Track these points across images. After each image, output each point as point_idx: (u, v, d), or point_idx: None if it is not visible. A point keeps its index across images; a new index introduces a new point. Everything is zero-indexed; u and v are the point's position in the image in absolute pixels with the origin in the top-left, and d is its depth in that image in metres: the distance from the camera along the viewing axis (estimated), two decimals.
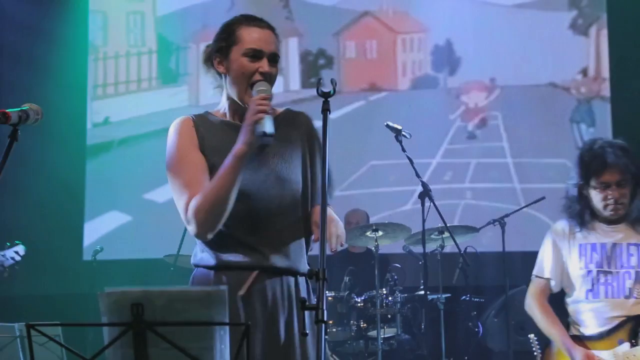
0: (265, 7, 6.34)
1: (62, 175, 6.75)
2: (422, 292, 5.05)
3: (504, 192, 6.37)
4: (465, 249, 5.09)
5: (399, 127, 4.62)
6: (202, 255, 2.41)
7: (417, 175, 4.55)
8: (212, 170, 2.36)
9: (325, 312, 1.96)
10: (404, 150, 4.53)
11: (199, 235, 2.35)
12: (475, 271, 5.16)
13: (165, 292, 1.92)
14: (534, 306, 3.54)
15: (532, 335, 4.43)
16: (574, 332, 3.44)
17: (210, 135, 2.41)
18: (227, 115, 2.46)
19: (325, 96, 2.27)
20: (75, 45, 7.02)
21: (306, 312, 2.26)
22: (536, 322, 3.53)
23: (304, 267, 2.44)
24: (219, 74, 2.45)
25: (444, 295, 5.09)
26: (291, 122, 2.48)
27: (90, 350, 5.28)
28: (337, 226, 2.31)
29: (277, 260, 2.37)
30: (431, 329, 5.12)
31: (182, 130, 2.40)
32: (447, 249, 5.14)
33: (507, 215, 5.33)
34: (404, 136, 4.60)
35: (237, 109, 2.43)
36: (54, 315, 4.02)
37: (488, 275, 5.63)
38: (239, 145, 2.29)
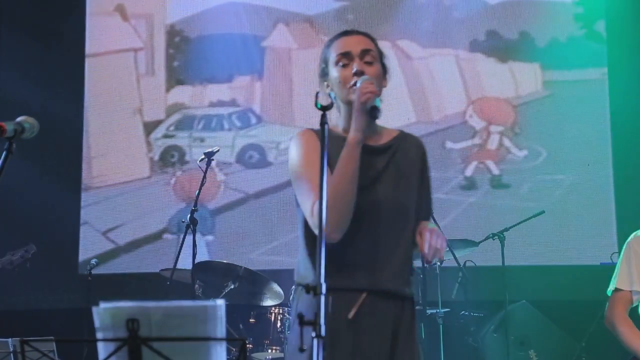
0: None
1: (58, 187, 6.71)
2: (421, 307, 5.01)
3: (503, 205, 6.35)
4: (465, 263, 5.07)
5: None
6: (305, 272, 2.39)
7: None
8: None
9: (323, 327, 1.93)
10: None
11: (327, 235, 2.25)
12: (475, 286, 5.13)
13: (161, 307, 1.89)
14: (616, 321, 3.37)
15: (532, 351, 4.41)
16: None
17: (331, 148, 2.35)
18: (340, 128, 2.48)
19: (324, 109, 2.26)
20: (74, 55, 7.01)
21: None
22: (619, 337, 3.37)
23: (411, 290, 2.45)
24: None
25: (442, 310, 5.06)
26: (408, 144, 2.50)
27: None
28: (437, 238, 2.29)
29: (387, 283, 2.36)
30: (430, 344, 5.08)
31: (305, 140, 2.42)
32: (446, 263, 5.11)
33: (506, 230, 5.31)
34: None
35: (343, 121, 2.45)
36: (48, 331, 3.97)
37: (487, 290, 5.60)
38: (352, 134, 2.30)
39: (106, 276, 6.30)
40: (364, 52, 2.41)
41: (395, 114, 6.39)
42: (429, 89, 6.67)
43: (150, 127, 6.87)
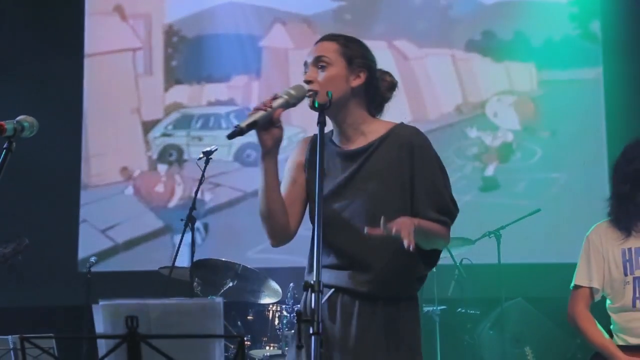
0: None
1: (57, 186, 6.73)
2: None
3: (499, 203, 6.38)
4: (461, 260, 5.09)
5: None
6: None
7: None
8: (308, 183, 2.48)
9: (320, 324, 1.96)
10: None
11: (271, 243, 2.49)
12: (471, 283, 5.15)
13: (160, 304, 1.91)
14: (577, 317, 3.37)
15: (527, 348, 4.43)
16: (619, 342, 3.28)
17: (314, 152, 2.43)
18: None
19: (321, 108, 2.29)
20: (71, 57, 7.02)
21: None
22: (581, 333, 3.36)
23: (398, 292, 2.39)
24: None
25: (439, 308, 5.09)
26: (394, 140, 2.44)
27: None
28: (403, 228, 2.21)
29: (359, 284, 2.36)
30: (427, 342, 5.09)
31: (296, 148, 2.55)
32: (443, 261, 5.12)
33: (502, 228, 5.34)
34: None
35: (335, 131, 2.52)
36: (48, 328, 3.99)
37: (483, 288, 5.63)
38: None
39: (105, 274, 6.32)
40: (317, 59, 2.42)
41: (392, 114, 6.41)
42: (425, 88, 6.69)
43: (148, 126, 6.89)
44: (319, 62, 2.41)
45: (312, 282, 2.01)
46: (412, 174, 2.39)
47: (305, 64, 2.45)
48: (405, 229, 2.15)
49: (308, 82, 2.38)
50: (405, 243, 2.12)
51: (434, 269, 5.05)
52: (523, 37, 6.63)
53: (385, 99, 2.55)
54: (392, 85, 2.55)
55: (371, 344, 2.36)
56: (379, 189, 2.38)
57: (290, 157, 2.53)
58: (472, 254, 5.20)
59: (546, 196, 6.32)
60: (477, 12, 6.75)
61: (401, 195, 2.38)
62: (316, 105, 2.33)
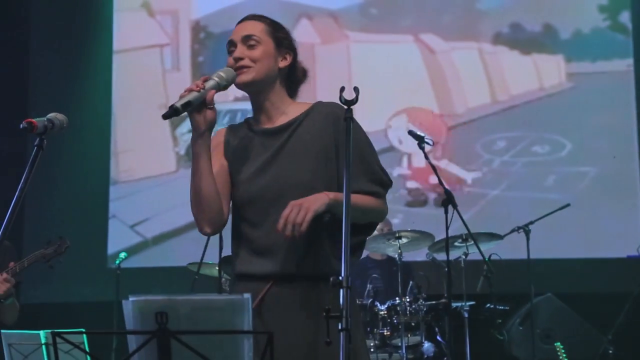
0: None
1: (87, 182, 6.79)
2: (446, 300, 5.02)
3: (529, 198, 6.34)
4: (490, 256, 5.06)
5: (422, 134, 4.60)
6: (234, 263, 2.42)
7: (441, 183, 4.52)
8: (235, 174, 2.41)
9: (349, 320, 1.95)
10: (426, 157, 4.51)
11: (200, 231, 2.40)
12: (500, 279, 5.12)
13: (189, 300, 1.92)
14: None
15: (558, 344, 4.39)
16: None
17: (235, 140, 2.44)
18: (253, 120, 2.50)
19: (348, 104, 2.28)
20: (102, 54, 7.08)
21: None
22: None
23: (324, 270, 2.26)
24: None
25: (468, 303, 5.06)
26: (316, 115, 2.43)
27: (114, 358, 5.31)
28: (298, 211, 2.17)
29: (290, 267, 2.30)
30: (455, 338, 5.09)
31: (215, 135, 2.45)
32: (471, 257, 5.11)
33: (531, 223, 5.30)
34: (427, 143, 4.58)
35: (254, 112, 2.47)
36: (79, 323, 4.03)
37: (513, 283, 5.59)
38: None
39: (134, 270, 6.37)
40: (246, 38, 2.42)
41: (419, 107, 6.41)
42: (452, 82, 6.66)
43: (176, 122, 6.93)
44: (248, 41, 2.42)
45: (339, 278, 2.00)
46: (338, 143, 2.36)
47: (232, 42, 2.43)
48: (292, 216, 2.16)
49: (237, 59, 2.38)
50: (286, 232, 2.16)
51: (462, 265, 5.09)
52: (551, 29, 6.57)
53: (301, 82, 2.54)
54: (305, 72, 2.55)
55: (299, 327, 2.29)
56: (306, 161, 2.34)
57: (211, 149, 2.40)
58: (501, 249, 5.16)
59: (576, 190, 6.27)
60: (504, 4, 6.70)
61: (328, 165, 2.35)
62: (342, 101, 2.29)
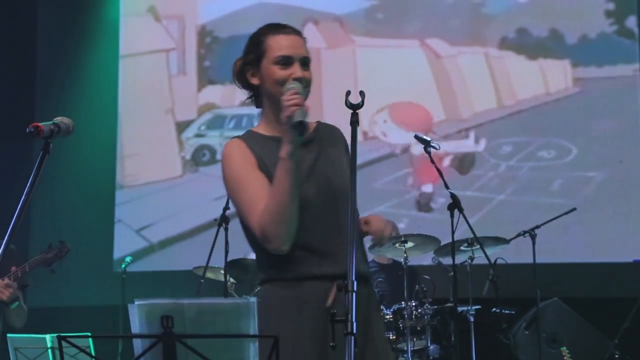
0: None
1: (93, 186, 6.81)
2: (452, 304, 5.01)
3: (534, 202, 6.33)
4: (496, 260, 5.05)
5: (428, 139, 4.60)
6: (270, 270, 2.35)
7: (446, 187, 4.52)
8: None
9: (355, 324, 1.95)
10: (432, 161, 4.51)
11: (276, 248, 2.27)
12: (506, 283, 5.11)
13: (194, 304, 1.92)
14: None
15: (564, 348, 4.38)
16: None
17: (264, 152, 2.37)
18: (267, 128, 2.45)
19: (354, 108, 2.28)
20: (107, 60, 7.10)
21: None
22: None
23: (367, 270, 2.45)
24: (252, 86, 2.46)
25: (474, 307, 5.05)
26: (328, 131, 2.49)
27: None
28: (387, 225, 2.42)
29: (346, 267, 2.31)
30: (461, 342, 5.07)
31: (235, 152, 2.38)
32: (477, 261, 5.10)
33: (537, 227, 5.29)
34: (433, 147, 4.58)
35: (273, 120, 2.41)
36: (85, 327, 4.04)
37: (519, 287, 5.58)
38: (283, 146, 2.26)
39: (140, 273, 6.38)
40: (305, 60, 2.40)
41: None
42: (458, 87, 6.65)
43: (182, 127, 6.95)
44: (306, 62, 2.40)
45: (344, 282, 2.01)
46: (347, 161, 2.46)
47: (291, 59, 2.37)
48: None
49: (300, 79, 2.35)
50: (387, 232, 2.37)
51: (468, 269, 5.08)
52: (558, 34, 6.56)
53: None
54: None
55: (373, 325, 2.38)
56: (342, 170, 2.40)
57: (240, 161, 2.36)
58: (507, 253, 5.15)
59: (582, 195, 6.26)
60: (510, 9, 6.70)
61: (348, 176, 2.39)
62: (348, 105, 2.30)
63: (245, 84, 2.49)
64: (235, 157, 2.37)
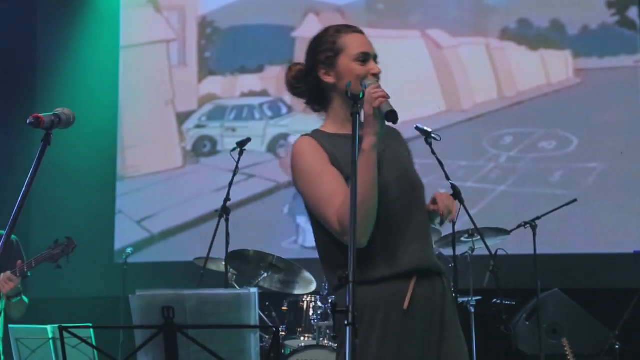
0: None
1: (94, 177, 6.81)
2: (453, 295, 5.01)
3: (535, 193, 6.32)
4: (496, 251, 5.05)
5: (429, 130, 4.59)
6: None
7: (447, 178, 4.51)
8: (347, 179, 2.31)
9: (356, 315, 1.95)
10: (433, 152, 4.50)
11: (357, 242, 2.18)
12: (506, 274, 5.12)
13: (195, 295, 1.93)
14: None
15: (564, 339, 4.39)
16: None
17: (336, 149, 2.38)
18: (334, 127, 2.45)
19: (355, 99, 2.28)
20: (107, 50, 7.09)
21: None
22: None
23: (437, 263, 2.43)
24: (318, 88, 2.46)
25: (474, 298, 5.06)
26: (389, 130, 2.45)
27: (121, 352, 5.33)
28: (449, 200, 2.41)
29: (428, 261, 2.37)
30: (462, 332, 5.08)
31: (307, 148, 2.39)
32: (478, 252, 5.11)
33: (538, 218, 5.29)
34: (434, 138, 4.57)
35: (343, 117, 2.42)
36: (86, 318, 4.05)
37: (519, 278, 5.59)
38: (367, 138, 2.25)
39: (141, 265, 6.39)
40: (376, 57, 2.47)
41: (426, 103, 6.39)
42: (459, 78, 6.64)
43: (182, 118, 6.94)
44: (376, 59, 2.48)
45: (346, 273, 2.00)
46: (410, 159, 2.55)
47: (368, 55, 2.43)
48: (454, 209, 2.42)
49: (377, 75, 2.43)
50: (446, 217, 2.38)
51: (469, 260, 5.09)
52: (559, 25, 6.55)
53: None
54: None
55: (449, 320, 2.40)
56: (410, 164, 2.50)
57: (314, 156, 2.37)
58: (508, 244, 5.16)
59: (583, 186, 6.25)
60: (512, 0, 6.68)
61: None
62: (349, 95, 2.31)
63: (312, 86, 2.48)
64: (308, 153, 2.37)
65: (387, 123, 2.27)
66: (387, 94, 2.27)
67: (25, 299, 4.07)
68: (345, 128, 2.40)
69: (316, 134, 2.44)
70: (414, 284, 2.30)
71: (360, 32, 2.50)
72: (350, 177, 2.18)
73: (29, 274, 3.94)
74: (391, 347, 2.26)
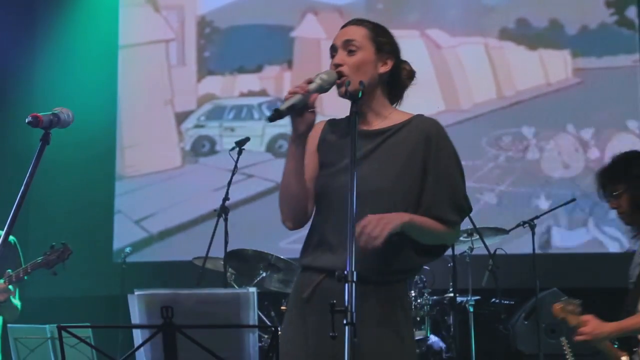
0: None
1: (93, 177, 6.80)
2: (451, 295, 5.03)
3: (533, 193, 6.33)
4: (495, 251, 5.06)
5: None
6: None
7: None
8: (322, 166, 2.44)
9: (354, 314, 1.95)
10: None
11: (284, 223, 2.45)
12: (505, 273, 5.12)
13: (194, 294, 1.93)
14: None
15: (563, 339, 4.38)
16: None
17: (331, 135, 2.47)
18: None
19: (353, 98, 2.28)
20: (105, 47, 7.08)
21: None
22: None
23: (379, 274, 2.31)
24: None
25: (473, 298, 5.07)
26: (412, 128, 2.41)
27: (120, 352, 5.33)
28: (375, 226, 2.20)
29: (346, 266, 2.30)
30: (460, 332, 5.09)
31: (312, 131, 2.44)
32: (477, 251, 5.11)
33: (537, 217, 5.29)
34: None
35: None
36: (84, 317, 4.05)
37: (518, 278, 5.59)
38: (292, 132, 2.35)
39: (140, 264, 6.38)
40: (346, 43, 2.40)
41: (424, 103, 6.37)
42: (458, 77, 6.64)
43: (181, 118, 6.94)
44: (348, 46, 2.39)
45: (344, 272, 2.01)
46: (428, 164, 2.36)
47: (334, 47, 2.42)
48: (369, 228, 2.18)
49: (337, 65, 2.37)
50: (361, 243, 2.16)
51: (468, 260, 5.09)
52: (558, 24, 6.55)
53: (405, 86, 2.53)
54: (411, 74, 2.53)
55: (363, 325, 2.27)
56: (391, 170, 2.34)
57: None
58: (506, 244, 5.17)
59: (581, 185, 6.25)
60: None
61: (412, 180, 2.35)
62: (347, 95, 2.32)
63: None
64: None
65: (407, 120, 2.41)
66: (297, 89, 2.28)
67: (17, 303, 4.04)
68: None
69: (336, 121, 2.53)
70: (322, 280, 2.32)
71: (348, 25, 2.47)
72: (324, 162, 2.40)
73: (25, 277, 3.93)
74: (294, 333, 2.32)
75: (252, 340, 1.94)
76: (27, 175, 2.31)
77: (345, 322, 1.95)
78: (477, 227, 4.72)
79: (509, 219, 5.42)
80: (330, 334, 1.99)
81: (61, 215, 6.66)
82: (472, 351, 4.93)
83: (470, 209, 2.45)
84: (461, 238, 4.97)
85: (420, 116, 2.46)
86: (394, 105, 2.51)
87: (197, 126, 6.92)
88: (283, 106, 2.24)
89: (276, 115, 2.23)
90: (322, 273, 2.33)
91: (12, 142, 6.49)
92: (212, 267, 5.13)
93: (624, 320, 3.17)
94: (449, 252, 4.83)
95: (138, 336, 1.96)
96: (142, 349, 1.91)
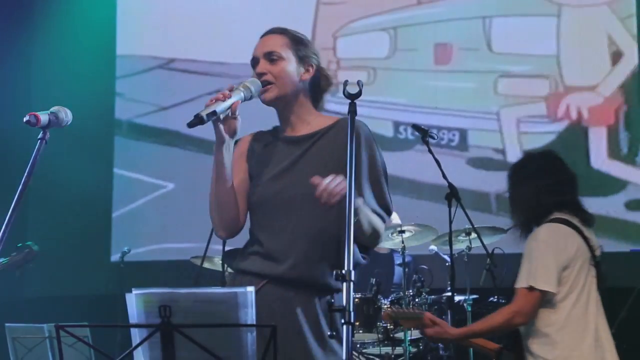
0: None
1: (91, 176, 6.80)
2: (449, 294, 5.02)
3: None
4: (493, 250, 5.06)
5: (426, 129, 4.59)
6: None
7: (444, 177, 4.51)
8: (252, 178, 2.49)
9: (352, 314, 1.96)
10: (430, 151, 4.50)
11: (216, 233, 2.49)
12: (503, 273, 5.12)
13: (192, 293, 1.93)
14: None
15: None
16: None
17: (260, 147, 2.52)
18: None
19: (352, 98, 2.28)
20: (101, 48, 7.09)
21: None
22: None
23: (324, 282, 2.35)
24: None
25: (471, 297, 5.07)
26: (339, 130, 2.45)
27: (118, 351, 5.32)
28: (336, 184, 2.22)
29: (288, 272, 2.35)
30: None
31: (239, 141, 2.50)
32: (475, 250, 5.11)
33: None
34: (431, 137, 4.57)
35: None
36: (82, 317, 4.05)
37: (516, 277, 5.58)
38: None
39: (138, 263, 6.38)
40: (268, 54, 2.46)
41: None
42: None
43: None
44: (270, 56, 2.46)
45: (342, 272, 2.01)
46: (356, 163, 2.34)
47: (255, 59, 2.48)
48: (330, 184, 2.21)
49: (261, 74, 2.44)
50: (321, 201, 2.19)
51: (466, 259, 5.09)
52: None
53: (325, 91, 2.59)
54: (329, 79, 2.59)
55: (289, 331, 2.32)
56: (322, 174, 2.32)
57: (234, 150, 2.47)
58: (504, 243, 5.16)
59: (581, 185, 6.25)
60: None
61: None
62: (346, 95, 2.31)
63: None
64: (234, 149, 2.49)
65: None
66: (219, 96, 2.30)
67: None
68: (281, 130, 2.56)
69: (261, 133, 2.58)
70: (263, 286, 2.34)
71: (267, 34, 2.52)
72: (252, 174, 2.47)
73: None
74: None
75: (250, 340, 1.94)
76: (25, 174, 2.31)
77: (342, 321, 1.95)
78: (475, 226, 4.72)
79: (507, 218, 5.41)
80: (329, 333, 2.00)
81: (59, 214, 6.66)
82: (470, 350, 4.93)
83: (391, 212, 2.52)
84: (459, 237, 4.97)
85: (345, 119, 2.44)
86: (319, 109, 2.58)
87: None
88: (204, 112, 2.25)
89: (196, 120, 2.23)
90: (262, 279, 2.37)
91: (10, 141, 6.48)
92: (210, 266, 5.13)
93: (472, 324, 3.29)
94: (446, 250, 4.83)
95: (136, 335, 1.96)
96: (140, 348, 1.91)
